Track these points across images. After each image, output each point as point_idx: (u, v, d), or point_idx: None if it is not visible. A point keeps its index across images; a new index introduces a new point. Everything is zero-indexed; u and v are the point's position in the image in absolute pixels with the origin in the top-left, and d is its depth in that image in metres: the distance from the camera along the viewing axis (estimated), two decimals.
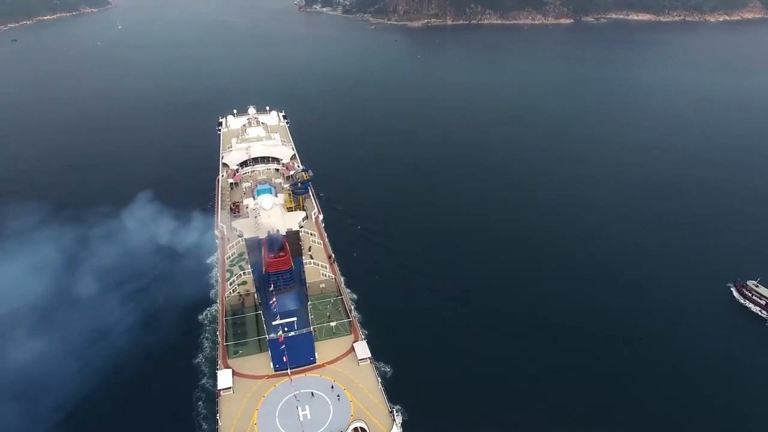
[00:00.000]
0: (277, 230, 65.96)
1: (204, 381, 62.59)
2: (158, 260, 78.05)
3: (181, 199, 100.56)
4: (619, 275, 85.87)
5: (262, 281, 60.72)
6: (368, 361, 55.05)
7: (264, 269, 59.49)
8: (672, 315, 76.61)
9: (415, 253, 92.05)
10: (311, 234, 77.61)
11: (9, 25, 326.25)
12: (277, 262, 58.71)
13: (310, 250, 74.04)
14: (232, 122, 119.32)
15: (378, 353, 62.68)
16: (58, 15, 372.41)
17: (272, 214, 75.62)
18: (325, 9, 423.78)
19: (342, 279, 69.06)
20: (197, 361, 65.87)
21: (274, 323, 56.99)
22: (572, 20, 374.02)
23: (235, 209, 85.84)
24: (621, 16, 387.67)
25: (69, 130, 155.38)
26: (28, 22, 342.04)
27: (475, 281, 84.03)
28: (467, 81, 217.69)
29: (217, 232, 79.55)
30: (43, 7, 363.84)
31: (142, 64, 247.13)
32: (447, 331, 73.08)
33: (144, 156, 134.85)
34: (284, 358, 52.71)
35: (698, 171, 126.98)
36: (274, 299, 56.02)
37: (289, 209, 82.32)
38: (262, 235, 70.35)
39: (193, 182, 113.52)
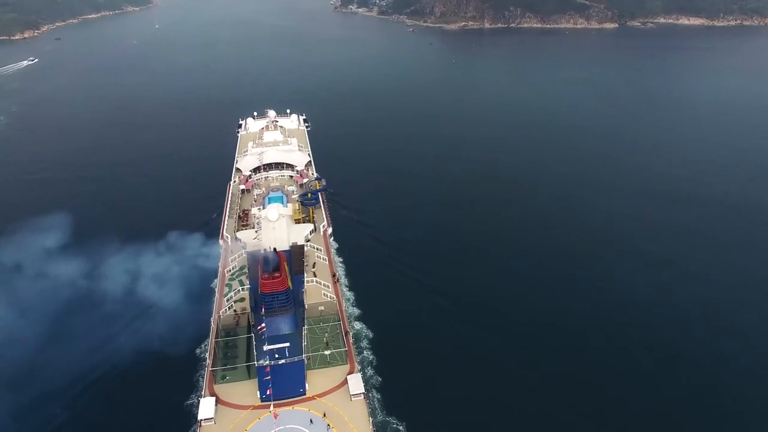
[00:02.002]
0: (274, 248, 62.05)
1: (188, 407, 58.19)
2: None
3: (199, 205, 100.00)
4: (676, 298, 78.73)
5: (258, 301, 57.25)
6: (362, 397, 50.48)
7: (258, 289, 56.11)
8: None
9: (438, 282, 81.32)
10: (317, 249, 73.63)
11: (56, 23, 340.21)
12: (272, 283, 55.04)
13: (314, 267, 70.12)
14: (251, 125, 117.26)
15: (376, 388, 58.60)
16: (102, 14, 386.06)
17: (277, 226, 71.86)
18: (360, 9, 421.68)
19: (344, 301, 64.94)
20: (184, 385, 60.89)
21: (265, 348, 53.33)
22: (617, 25, 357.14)
23: (244, 218, 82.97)
24: (670, 21, 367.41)
25: (93, 129, 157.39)
26: (74, 21, 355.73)
27: (516, 328, 72.43)
28: (503, 89, 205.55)
29: (221, 242, 76.75)
30: (88, 6, 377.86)
31: (173, 63, 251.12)
32: (465, 381, 62.48)
33: (162, 159, 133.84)
34: (268, 390, 48.86)
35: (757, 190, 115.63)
36: (263, 325, 52.25)
37: (297, 221, 78.69)
38: (266, 248, 67.25)
39: (209, 186, 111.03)
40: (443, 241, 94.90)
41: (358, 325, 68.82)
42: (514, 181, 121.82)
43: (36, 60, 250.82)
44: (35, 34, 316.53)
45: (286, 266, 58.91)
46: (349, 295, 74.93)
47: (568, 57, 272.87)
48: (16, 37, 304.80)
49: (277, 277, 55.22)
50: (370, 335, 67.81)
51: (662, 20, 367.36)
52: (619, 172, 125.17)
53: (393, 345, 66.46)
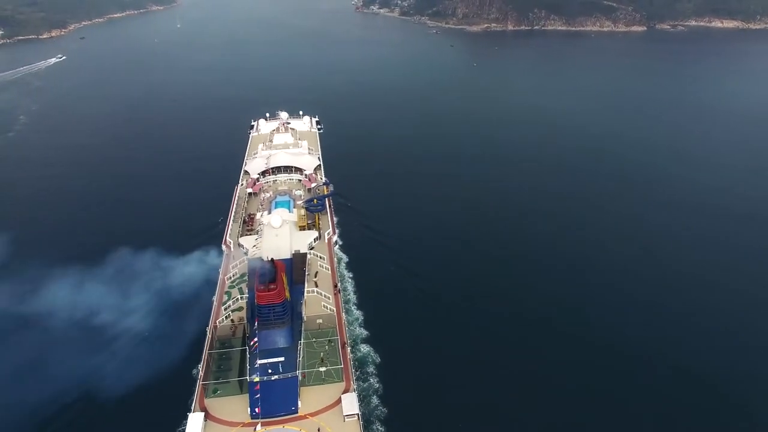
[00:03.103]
0: (271, 259, 59.90)
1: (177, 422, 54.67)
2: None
3: (207, 208, 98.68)
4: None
5: (254, 312, 55.26)
6: (355, 418, 48.03)
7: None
8: None
9: (461, 313, 74.41)
10: (320, 257, 71.41)
11: (83, 22, 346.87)
12: (268, 295, 52.96)
13: (316, 276, 67.91)
14: (263, 126, 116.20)
15: (380, 420, 55.57)
16: (127, 13, 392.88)
17: (280, 233, 70.15)
18: (382, 10, 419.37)
19: (347, 316, 62.47)
20: (174, 398, 57.02)
21: (259, 362, 51.41)
22: (645, 28, 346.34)
23: (249, 222, 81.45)
24: (702, 24, 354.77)
25: (109, 127, 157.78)
26: (100, 20, 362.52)
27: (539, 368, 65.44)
28: (524, 96, 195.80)
29: (224, 248, 75.22)
30: (114, 5, 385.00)
31: (192, 61, 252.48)
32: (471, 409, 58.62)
33: (173, 160, 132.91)
34: (257, 409, 46.79)
35: None
36: (255, 340, 50.19)
37: (302, 228, 76.67)
38: (267, 256, 65.38)
39: (219, 188, 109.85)
40: (469, 260, 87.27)
41: (364, 348, 64.64)
42: (540, 189, 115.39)
43: (64, 57, 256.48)
44: (62, 33, 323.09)
45: (284, 277, 56.77)
46: (358, 314, 70.72)
47: (593, 61, 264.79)
48: (44, 36, 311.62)
49: (273, 289, 53.08)
50: (378, 360, 63.13)
51: (693, 23, 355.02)
52: (647, 183, 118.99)
53: (402, 374, 60.80)
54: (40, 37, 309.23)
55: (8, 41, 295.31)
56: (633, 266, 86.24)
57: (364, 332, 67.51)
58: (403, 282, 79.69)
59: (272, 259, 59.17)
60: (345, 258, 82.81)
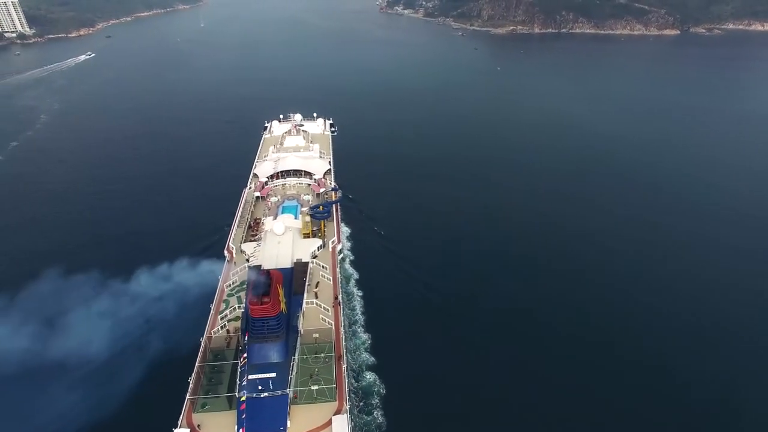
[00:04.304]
0: (267, 270, 57.42)
1: None
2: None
3: (215, 212, 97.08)
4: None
5: (248, 323, 53.02)
6: None
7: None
8: None
9: (470, 317, 70.01)
10: (323, 267, 68.61)
11: (111, 21, 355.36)
12: (261, 309, 50.59)
13: (317, 287, 65.13)
14: (276, 128, 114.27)
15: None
16: (154, 12, 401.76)
17: (283, 240, 67.83)
18: (406, 11, 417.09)
19: (342, 329, 59.57)
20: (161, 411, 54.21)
21: (249, 377, 49.09)
22: (678, 31, 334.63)
23: (255, 227, 79.53)
24: (741, 27, 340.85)
25: (125, 126, 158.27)
26: (128, 19, 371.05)
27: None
28: (548, 102, 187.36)
29: (226, 253, 73.42)
30: (142, 4, 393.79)
31: (211, 60, 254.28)
32: None
33: (183, 161, 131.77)
34: (242, 430, 44.41)
35: None
36: (245, 356, 47.87)
37: (306, 235, 74.26)
38: (267, 265, 63.23)
39: (228, 191, 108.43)
40: (497, 280, 78.55)
41: (369, 376, 60.20)
42: (574, 197, 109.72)
43: (93, 54, 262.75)
44: (90, 31, 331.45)
45: (280, 289, 54.34)
46: (365, 337, 66.26)
47: (624, 66, 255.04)
48: (73, 35, 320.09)
49: (267, 302, 50.66)
50: (383, 391, 58.37)
51: (731, 26, 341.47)
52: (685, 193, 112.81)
53: (410, 410, 55.57)
54: (69, 35, 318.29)
55: (39, 40, 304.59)
56: (666, 281, 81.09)
57: (371, 359, 62.69)
58: (420, 302, 73.45)
59: (267, 270, 56.72)
60: (355, 274, 78.39)
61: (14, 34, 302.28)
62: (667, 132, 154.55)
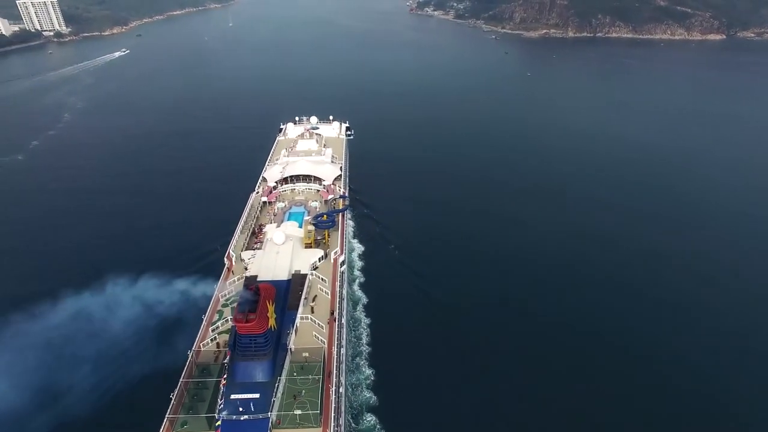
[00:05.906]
0: (255, 286, 54.31)
1: None
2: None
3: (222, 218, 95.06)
4: None
5: (235, 340, 50.30)
6: None
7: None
8: None
9: (489, 350, 62.54)
10: (322, 280, 65.45)
11: (144, 20, 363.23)
12: (246, 326, 47.77)
13: (314, 301, 61.92)
14: (291, 130, 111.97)
15: None
16: (186, 11, 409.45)
17: (282, 250, 64.87)
18: (436, 12, 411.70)
19: (335, 349, 56.28)
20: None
21: (231, 397, 46.30)
22: (723, 36, 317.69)
23: (258, 234, 77.17)
24: None
25: (147, 126, 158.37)
26: (160, 17, 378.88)
27: None
28: (582, 115, 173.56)
29: (225, 261, 71.20)
30: (174, 3, 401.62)
31: (236, 60, 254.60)
32: None
33: (194, 167, 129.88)
34: None
35: None
36: (224, 377, 45.10)
37: (308, 245, 71.27)
38: (264, 276, 60.58)
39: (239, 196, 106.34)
40: (526, 308, 70.46)
41: (369, 419, 54.52)
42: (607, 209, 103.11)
43: (128, 51, 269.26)
44: (123, 30, 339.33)
45: (270, 305, 51.37)
46: (368, 373, 60.41)
47: (664, 73, 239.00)
48: (106, 33, 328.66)
49: (252, 319, 47.79)
50: None
51: None
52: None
53: None
54: (103, 34, 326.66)
55: (74, 38, 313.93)
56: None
57: (373, 398, 56.86)
58: (432, 331, 65.86)
59: (257, 285, 53.85)
60: (364, 298, 72.61)
61: (51, 33, 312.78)
62: (710, 144, 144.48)
